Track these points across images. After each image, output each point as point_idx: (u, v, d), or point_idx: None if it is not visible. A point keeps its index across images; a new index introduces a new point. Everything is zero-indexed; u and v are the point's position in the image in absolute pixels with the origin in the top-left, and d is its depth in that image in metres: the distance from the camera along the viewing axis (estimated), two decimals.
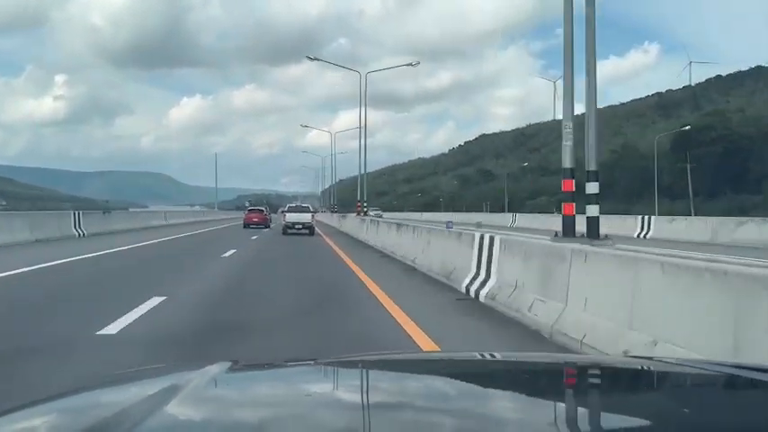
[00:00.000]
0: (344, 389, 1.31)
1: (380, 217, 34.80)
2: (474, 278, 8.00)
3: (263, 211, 34.95)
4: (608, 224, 25.21)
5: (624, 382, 1.40)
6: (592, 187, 8.55)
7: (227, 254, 15.07)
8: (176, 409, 1.03)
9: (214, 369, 1.30)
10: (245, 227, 31.58)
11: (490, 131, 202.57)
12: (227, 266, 12.46)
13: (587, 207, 8.74)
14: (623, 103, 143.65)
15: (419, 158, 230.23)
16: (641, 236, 25.50)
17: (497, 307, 6.91)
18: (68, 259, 12.48)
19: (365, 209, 32.71)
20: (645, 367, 1.50)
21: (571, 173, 8.46)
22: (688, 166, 61.34)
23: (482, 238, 8.16)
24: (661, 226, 25.44)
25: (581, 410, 1.17)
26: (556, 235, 8.48)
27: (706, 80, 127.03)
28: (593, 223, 8.44)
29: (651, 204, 60.03)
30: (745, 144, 65.24)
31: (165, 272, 11.26)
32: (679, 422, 1.00)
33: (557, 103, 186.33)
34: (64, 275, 10.19)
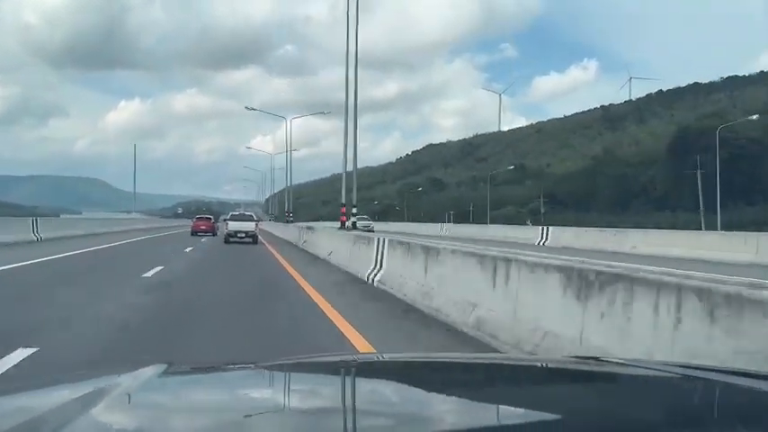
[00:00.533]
0: (285, 393, 1.29)
1: (371, 230, 29.44)
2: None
3: (210, 219, 36.41)
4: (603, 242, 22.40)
5: (567, 382, 1.43)
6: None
7: (148, 273, 11.95)
8: (101, 414, 0.97)
9: (147, 372, 1.25)
10: (192, 234, 32.54)
11: (437, 141, 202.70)
12: (139, 300, 9.39)
13: None
14: (566, 116, 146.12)
15: (366, 167, 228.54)
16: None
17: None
18: None
19: (353, 219, 24.71)
20: (588, 367, 1.52)
21: None
22: (698, 173, 53.52)
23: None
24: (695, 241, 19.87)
25: (521, 410, 1.16)
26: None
27: (646, 95, 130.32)
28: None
29: (642, 216, 55.78)
30: (756, 150, 57.87)
31: (47, 306, 8.10)
32: (617, 421, 1.03)
33: (501, 115, 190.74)
34: None
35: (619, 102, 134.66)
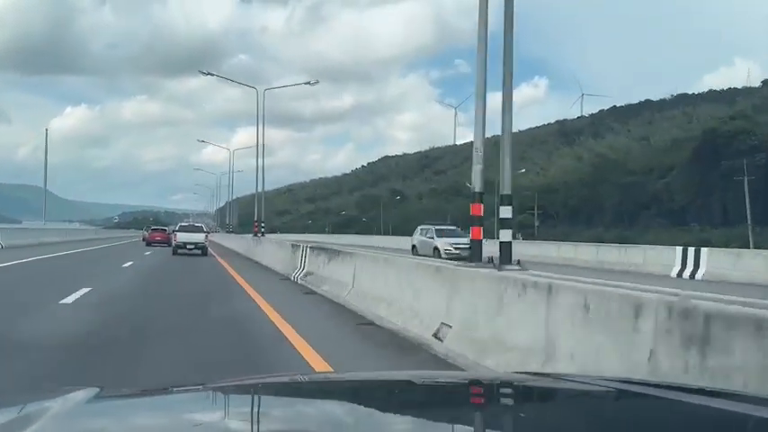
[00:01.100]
0: (229, 418, 1.19)
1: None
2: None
3: (165, 230, 37.09)
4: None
5: (518, 398, 1.43)
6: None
7: (68, 299, 9.12)
8: None
9: (77, 396, 1.17)
10: (147, 244, 33.42)
11: (392, 154, 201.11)
12: (48, 341, 6.65)
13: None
14: (522, 131, 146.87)
15: (321, 178, 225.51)
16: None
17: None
18: None
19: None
20: (537, 384, 1.54)
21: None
22: (745, 180, 43.37)
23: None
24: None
25: (477, 428, 1.18)
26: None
27: (599, 111, 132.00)
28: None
29: (660, 230, 48.08)
30: None
31: None
32: None
33: (457, 130, 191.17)
34: None
35: (572, 117, 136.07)
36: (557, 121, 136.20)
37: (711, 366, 2.89)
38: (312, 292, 10.95)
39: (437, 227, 24.12)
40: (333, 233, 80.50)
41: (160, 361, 5.33)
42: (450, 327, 5.56)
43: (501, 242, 8.05)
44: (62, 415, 1.05)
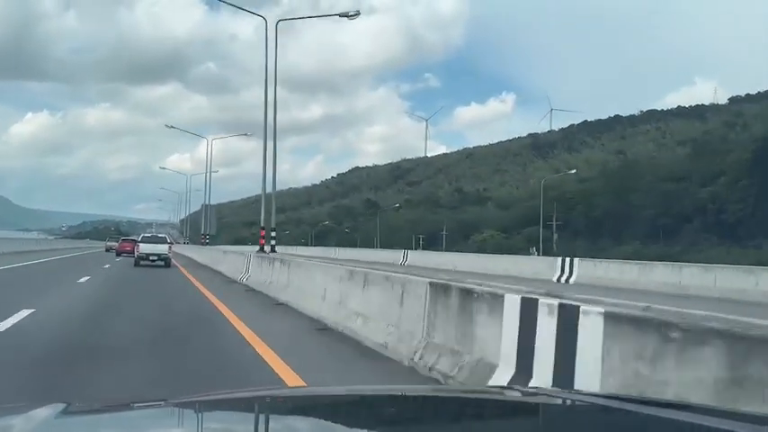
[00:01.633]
0: None
1: None
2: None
3: (134, 241, 37.89)
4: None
5: (488, 412, 1.44)
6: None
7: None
8: None
9: (43, 412, 1.13)
10: (117, 255, 33.56)
11: (362, 165, 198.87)
12: None
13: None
14: (493, 144, 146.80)
15: (290, 188, 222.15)
16: None
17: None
18: None
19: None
20: (508, 397, 1.55)
21: None
22: None
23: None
24: None
25: None
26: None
27: (570, 125, 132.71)
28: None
29: (713, 247, 39.17)
30: None
31: None
32: None
33: (427, 142, 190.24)
34: None
35: (542, 131, 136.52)
36: (529, 135, 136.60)
37: None
38: None
39: None
40: (315, 245, 73.63)
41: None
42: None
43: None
44: (27, 431, 1.03)
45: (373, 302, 6.74)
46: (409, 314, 5.72)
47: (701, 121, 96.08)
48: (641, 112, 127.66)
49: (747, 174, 48.74)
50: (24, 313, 7.82)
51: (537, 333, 3.87)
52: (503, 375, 4.11)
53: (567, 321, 3.60)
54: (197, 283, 15.02)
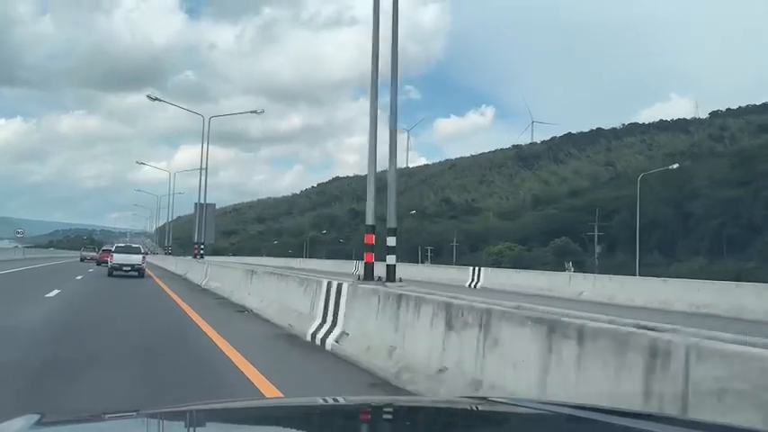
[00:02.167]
0: None
1: None
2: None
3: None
4: None
5: (461, 423, 1.43)
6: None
7: None
8: None
9: (16, 424, 1.12)
10: (98, 264, 34.89)
11: (342, 175, 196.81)
12: None
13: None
14: (475, 155, 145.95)
15: (269, 198, 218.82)
16: None
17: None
18: None
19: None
20: (479, 407, 1.53)
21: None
22: None
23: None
24: None
25: None
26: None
27: (552, 138, 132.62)
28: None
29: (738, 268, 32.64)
30: None
31: None
32: None
33: (409, 153, 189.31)
34: None
35: (524, 143, 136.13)
36: (513, 146, 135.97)
37: None
38: None
39: None
40: (299, 256, 67.23)
41: None
42: None
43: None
44: None
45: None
46: None
47: (685, 134, 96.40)
48: (623, 125, 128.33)
49: None
50: None
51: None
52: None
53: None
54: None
